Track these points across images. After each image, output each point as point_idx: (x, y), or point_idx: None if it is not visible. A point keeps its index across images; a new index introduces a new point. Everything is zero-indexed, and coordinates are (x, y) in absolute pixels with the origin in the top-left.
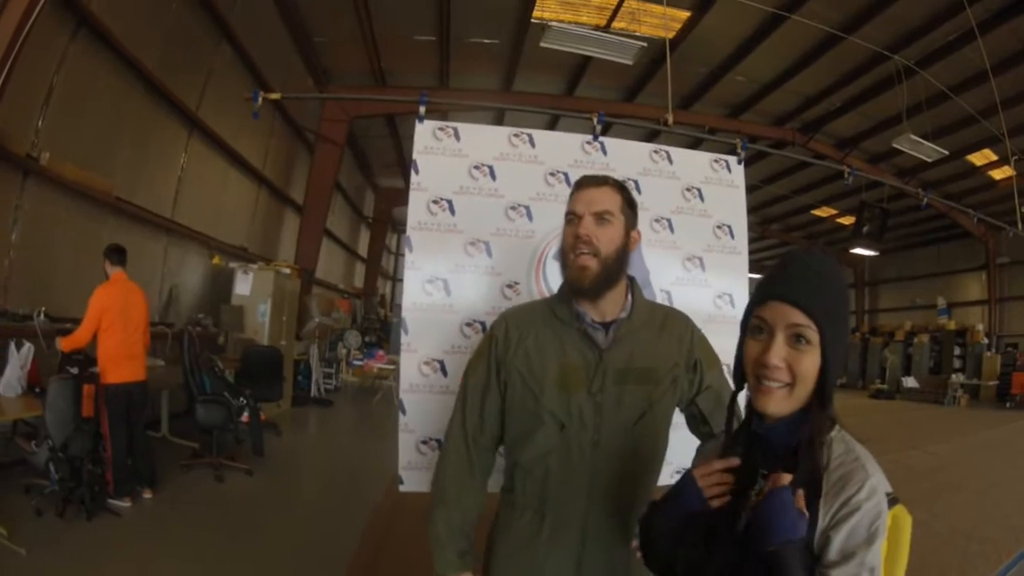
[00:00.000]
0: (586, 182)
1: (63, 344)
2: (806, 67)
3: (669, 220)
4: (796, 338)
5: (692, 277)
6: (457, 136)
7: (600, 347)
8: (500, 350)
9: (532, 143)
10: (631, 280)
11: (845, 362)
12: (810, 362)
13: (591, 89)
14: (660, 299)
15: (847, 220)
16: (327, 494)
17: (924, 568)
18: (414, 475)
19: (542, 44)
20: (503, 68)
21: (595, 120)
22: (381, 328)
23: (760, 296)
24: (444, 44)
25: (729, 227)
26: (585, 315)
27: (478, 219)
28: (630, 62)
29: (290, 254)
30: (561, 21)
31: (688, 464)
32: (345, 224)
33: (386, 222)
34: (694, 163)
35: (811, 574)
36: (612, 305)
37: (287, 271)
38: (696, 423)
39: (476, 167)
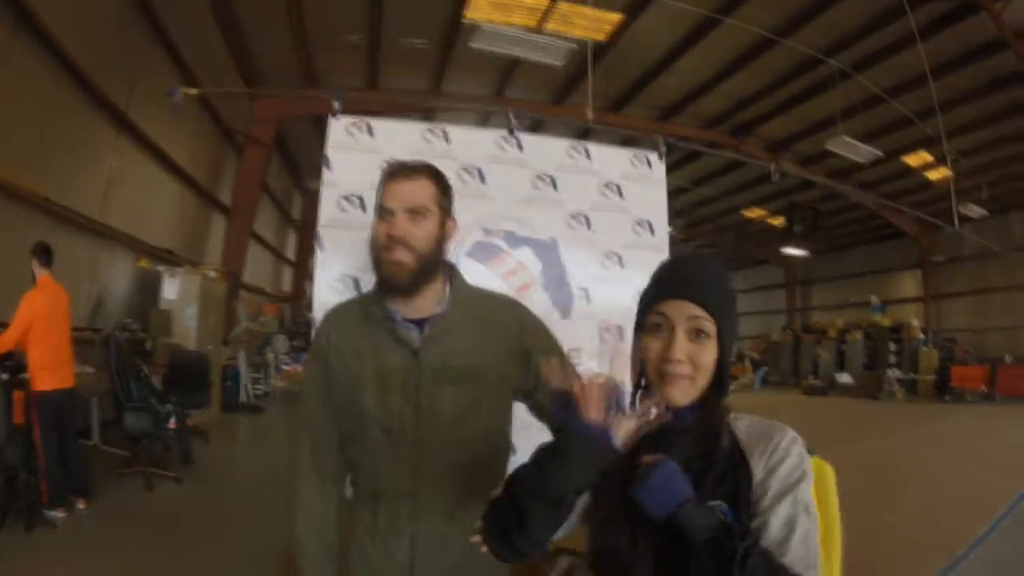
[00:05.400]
0: (398, 173)
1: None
2: (739, 70)
3: (587, 216)
4: (695, 332)
5: (610, 274)
6: (371, 132)
7: (414, 346)
8: (325, 352)
9: (447, 139)
10: (451, 271)
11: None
12: (709, 353)
13: (520, 91)
14: (577, 296)
15: (777, 221)
16: (257, 501)
17: (872, 561)
18: None
19: (472, 45)
20: (432, 70)
21: (511, 115)
22: (308, 332)
23: (656, 295)
24: (374, 46)
25: (649, 223)
26: (396, 313)
27: None
28: (559, 64)
29: (218, 257)
30: (492, 22)
31: None
32: (272, 227)
33: (314, 225)
34: (613, 159)
35: (727, 531)
36: (428, 300)
37: (214, 274)
38: (542, 416)
39: (389, 163)
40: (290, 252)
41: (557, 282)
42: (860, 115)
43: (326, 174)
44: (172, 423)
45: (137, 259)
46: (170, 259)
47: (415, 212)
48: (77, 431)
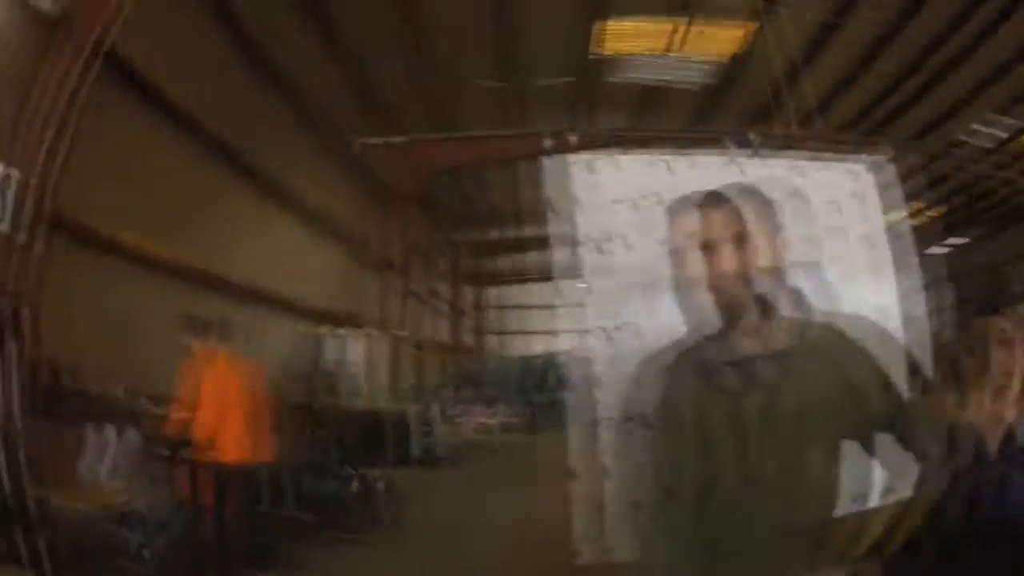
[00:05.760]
0: (713, 201)
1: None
2: (869, 67)
3: (813, 237)
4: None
5: (841, 293)
6: (617, 168)
7: (735, 391)
8: (642, 400)
9: (692, 166)
10: (767, 303)
11: None
12: None
13: (657, 119)
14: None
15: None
16: (457, 562)
17: None
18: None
19: (608, 79)
20: (571, 106)
21: (752, 136)
22: (477, 383)
23: (997, 305)
24: (512, 90)
25: (877, 238)
26: (714, 356)
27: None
28: (696, 85)
29: (380, 314)
30: (627, 53)
31: None
32: (433, 280)
33: (474, 275)
34: (845, 173)
35: None
36: (748, 339)
37: (377, 332)
38: (907, 449)
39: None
40: (456, 301)
41: (793, 305)
42: (996, 85)
43: (567, 220)
44: (355, 484)
45: (300, 321)
46: (329, 319)
47: (741, 238)
48: (259, 499)
